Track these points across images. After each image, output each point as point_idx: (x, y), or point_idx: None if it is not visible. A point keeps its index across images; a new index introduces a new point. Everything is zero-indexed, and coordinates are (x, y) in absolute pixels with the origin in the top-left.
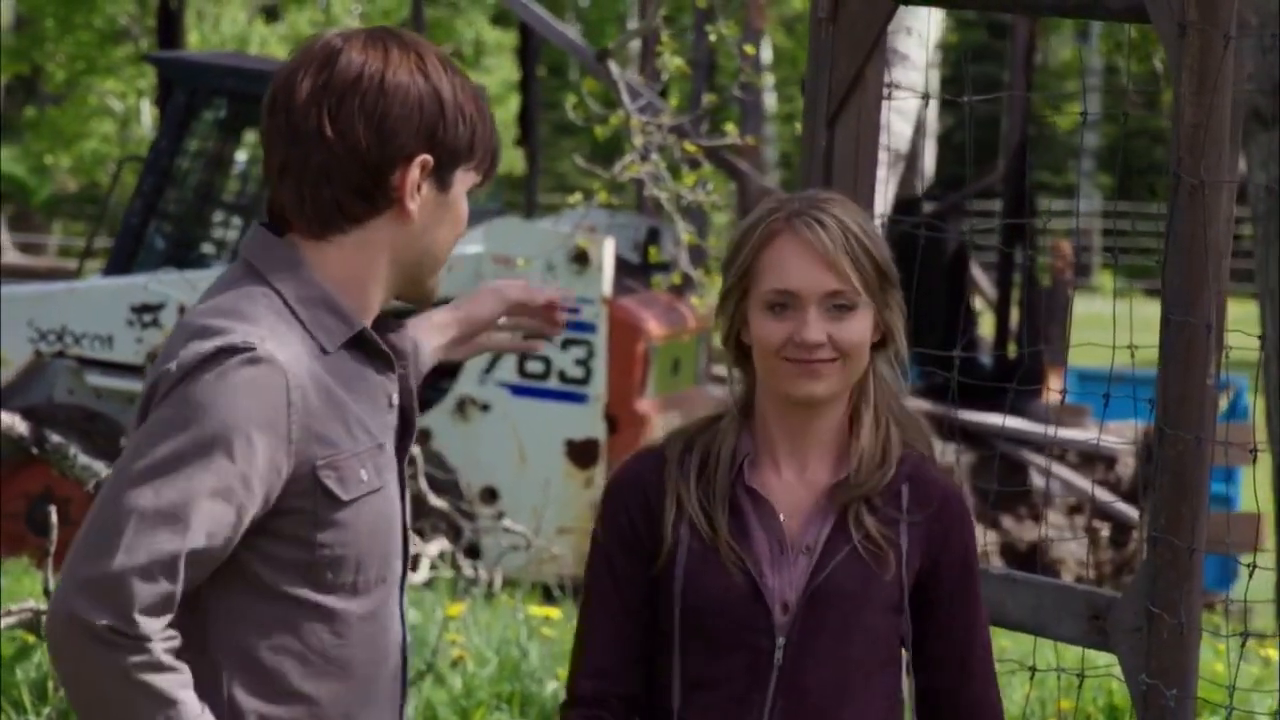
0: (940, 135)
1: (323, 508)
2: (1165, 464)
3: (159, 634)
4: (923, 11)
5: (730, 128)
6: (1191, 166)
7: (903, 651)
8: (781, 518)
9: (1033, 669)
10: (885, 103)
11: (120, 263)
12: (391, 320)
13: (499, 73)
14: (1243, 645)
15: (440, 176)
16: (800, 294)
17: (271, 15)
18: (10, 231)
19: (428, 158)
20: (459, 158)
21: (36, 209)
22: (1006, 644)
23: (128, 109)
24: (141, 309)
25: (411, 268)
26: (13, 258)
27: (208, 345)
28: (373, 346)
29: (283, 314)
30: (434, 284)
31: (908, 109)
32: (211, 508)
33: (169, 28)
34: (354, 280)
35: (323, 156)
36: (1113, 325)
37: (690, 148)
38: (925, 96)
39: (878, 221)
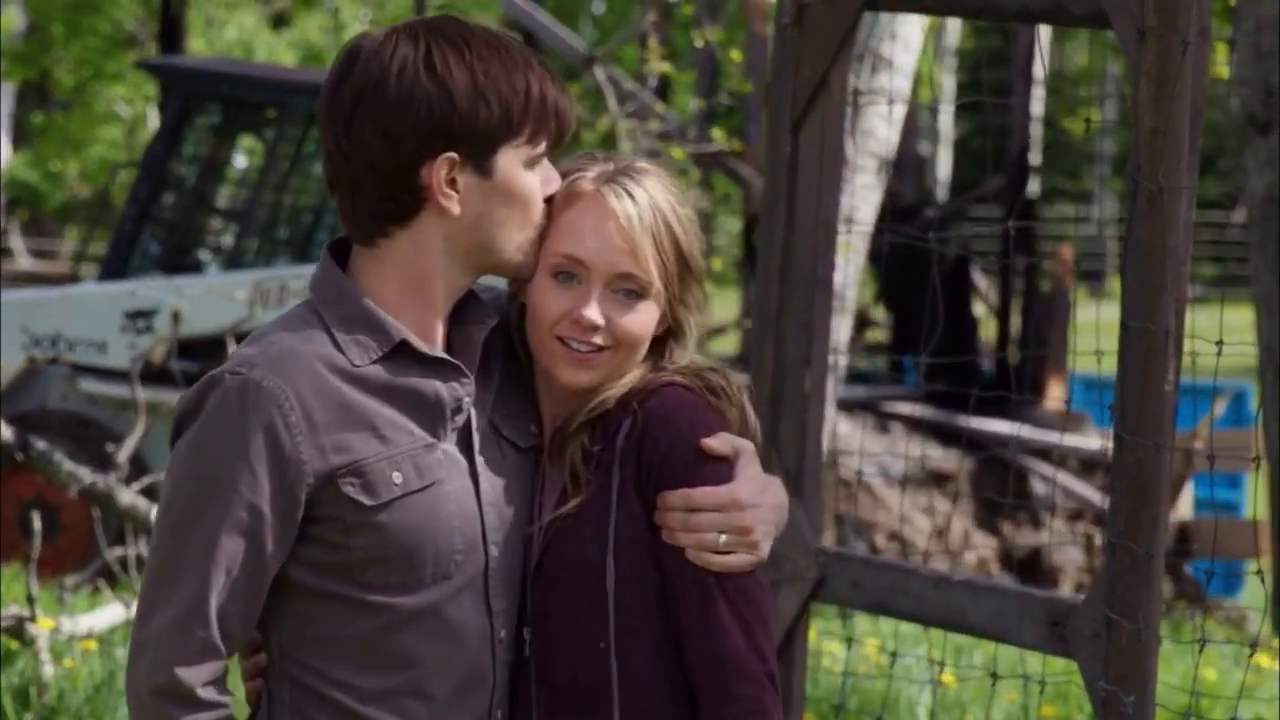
0: (957, 141)
1: (350, 513)
2: (1124, 470)
3: (203, 686)
4: (910, 19)
5: (718, 133)
6: (1150, 172)
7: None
8: (542, 494)
9: (994, 675)
10: (871, 109)
11: (114, 268)
12: (482, 314)
13: None
14: (1200, 651)
15: (477, 165)
16: (590, 267)
17: (280, 22)
18: (24, 237)
19: (451, 155)
20: (492, 143)
21: (50, 215)
22: (998, 651)
23: (135, 115)
24: (135, 315)
25: (477, 254)
26: (26, 263)
27: (207, 376)
28: (423, 355)
29: (311, 336)
30: (520, 259)
31: (895, 116)
32: (227, 544)
33: (170, 33)
34: (411, 280)
35: (349, 171)
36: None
37: (677, 154)
38: (891, 101)
39: (860, 228)
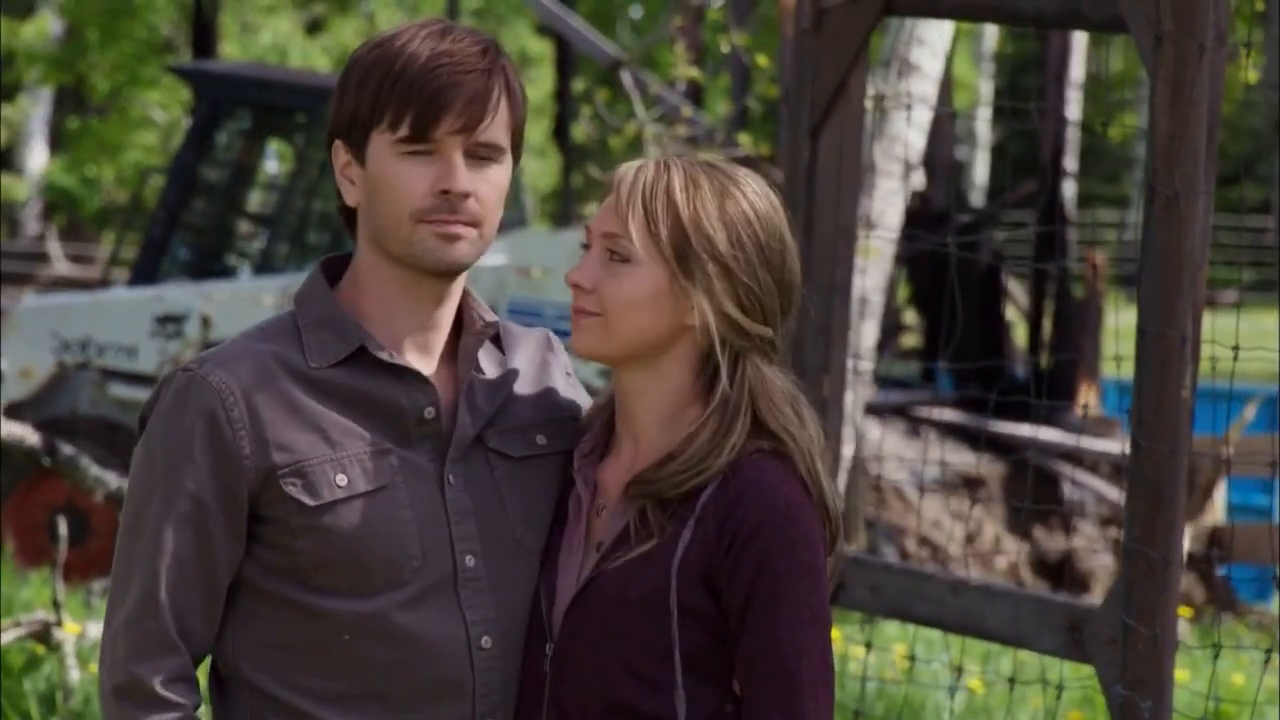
0: (994, 146)
1: (293, 515)
2: (1141, 475)
3: (162, 683)
4: (936, 24)
5: (744, 138)
6: (1166, 178)
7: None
8: (602, 510)
9: (1012, 680)
10: (896, 114)
11: (144, 273)
12: (482, 327)
13: (543, 84)
14: (1215, 657)
15: (358, 154)
16: (590, 231)
17: (315, 27)
18: (63, 242)
19: (338, 141)
20: (362, 126)
21: (87, 220)
22: (1026, 657)
23: (170, 120)
24: (165, 320)
25: (383, 247)
26: (64, 268)
27: (164, 375)
28: (383, 362)
29: (278, 337)
30: (411, 252)
31: (921, 121)
32: (173, 536)
33: (202, 38)
34: (361, 280)
35: None
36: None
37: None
38: (909, 106)
39: (885, 234)
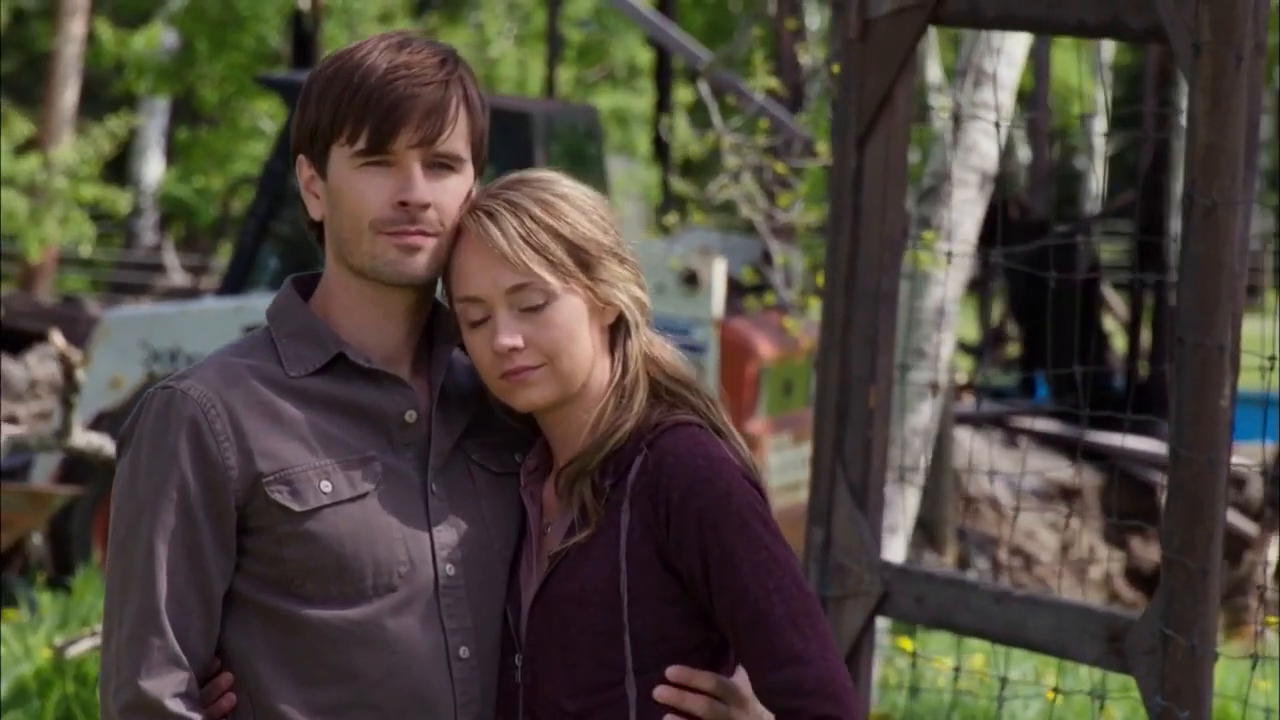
0: (1111, 156)
1: (280, 522)
2: (1179, 486)
3: (171, 698)
4: (1014, 33)
5: (822, 147)
6: (1205, 187)
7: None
8: (549, 527)
9: (1057, 690)
10: (972, 123)
11: (234, 283)
12: (452, 332)
13: (650, 94)
14: (1253, 667)
15: (320, 169)
16: (484, 298)
17: None
18: (179, 253)
19: (301, 156)
20: (323, 140)
21: (203, 231)
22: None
23: (279, 131)
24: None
25: (346, 261)
26: (179, 279)
27: (143, 394)
28: (362, 368)
29: (254, 351)
30: (372, 264)
31: (983, 129)
32: (167, 551)
33: (303, 50)
34: (330, 291)
35: None
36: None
37: (781, 169)
38: (956, 117)
39: (959, 245)
